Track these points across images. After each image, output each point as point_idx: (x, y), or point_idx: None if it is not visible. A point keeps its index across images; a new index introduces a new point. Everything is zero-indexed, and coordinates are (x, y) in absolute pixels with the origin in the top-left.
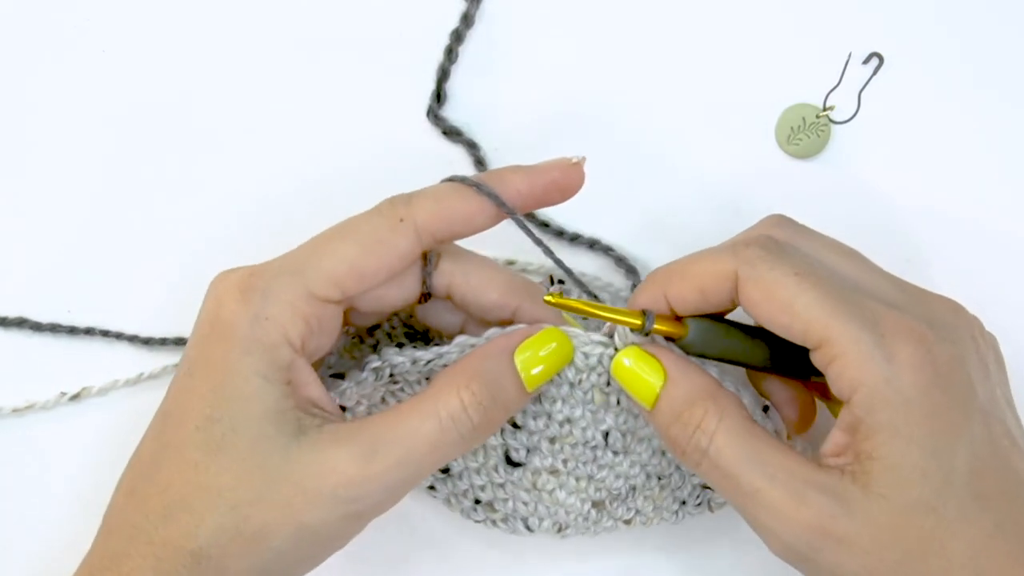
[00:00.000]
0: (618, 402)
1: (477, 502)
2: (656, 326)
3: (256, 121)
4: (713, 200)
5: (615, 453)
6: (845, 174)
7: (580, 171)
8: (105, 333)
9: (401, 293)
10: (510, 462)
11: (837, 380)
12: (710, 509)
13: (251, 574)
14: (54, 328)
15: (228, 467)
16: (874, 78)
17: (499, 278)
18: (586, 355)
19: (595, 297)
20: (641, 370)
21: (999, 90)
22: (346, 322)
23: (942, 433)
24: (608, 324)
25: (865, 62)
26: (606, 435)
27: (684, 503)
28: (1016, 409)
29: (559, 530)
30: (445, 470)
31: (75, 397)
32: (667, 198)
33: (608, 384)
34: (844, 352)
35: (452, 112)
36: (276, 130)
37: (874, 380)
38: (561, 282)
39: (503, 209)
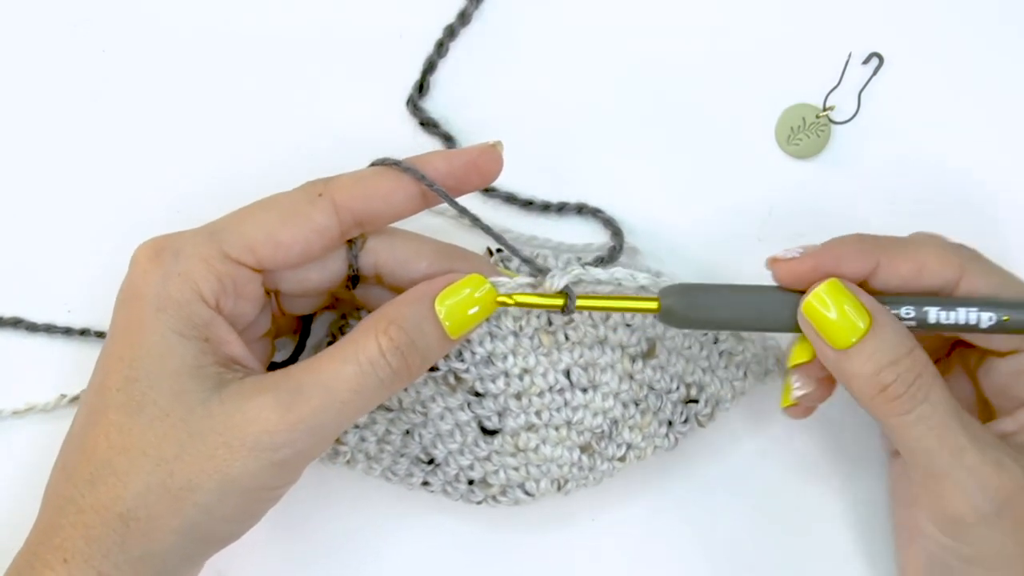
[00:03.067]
0: (567, 337)
1: (471, 483)
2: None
3: (257, 122)
4: (713, 200)
5: (583, 390)
6: (845, 174)
7: (497, 154)
8: (100, 334)
9: (324, 275)
10: (486, 432)
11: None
12: (699, 424)
13: (180, 534)
14: (49, 328)
15: (149, 425)
16: (874, 78)
17: (427, 247)
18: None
19: (532, 263)
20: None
21: (999, 90)
22: (281, 311)
23: None
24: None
25: (865, 62)
26: (568, 374)
27: (671, 423)
28: None
29: (559, 488)
30: (430, 460)
31: (75, 399)
32: (666, 199)
33: (550, 324)
34: None
35: (434, 106)
36: (276, 129)
37: None
38: (499, 251)
39: (423, 182)
